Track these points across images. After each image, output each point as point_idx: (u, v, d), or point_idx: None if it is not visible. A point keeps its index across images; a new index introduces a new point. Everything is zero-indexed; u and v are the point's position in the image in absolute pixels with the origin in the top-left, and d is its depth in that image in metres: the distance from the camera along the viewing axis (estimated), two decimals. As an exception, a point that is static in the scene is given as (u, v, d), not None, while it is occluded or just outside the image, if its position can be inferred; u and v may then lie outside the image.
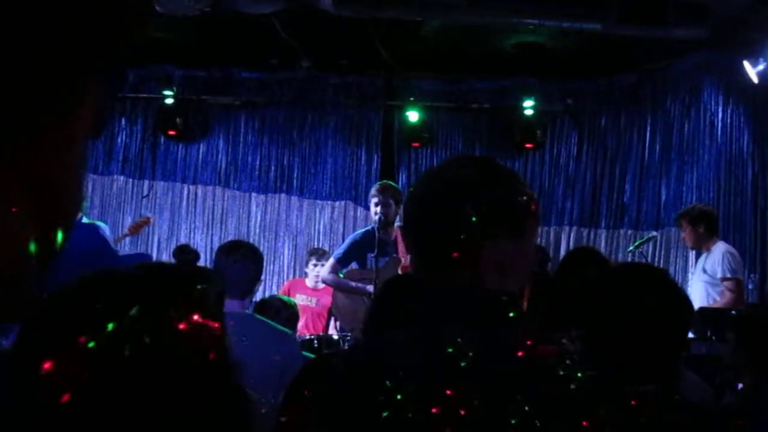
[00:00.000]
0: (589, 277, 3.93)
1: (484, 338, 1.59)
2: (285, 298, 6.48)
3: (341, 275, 7.08)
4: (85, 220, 8.35)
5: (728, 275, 7.01)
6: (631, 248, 8.49)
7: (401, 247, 6.74)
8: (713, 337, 5.61)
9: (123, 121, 11.18)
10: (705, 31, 7.73)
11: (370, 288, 6.64)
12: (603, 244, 10.21)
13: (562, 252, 10.08)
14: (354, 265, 7.07)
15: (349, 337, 6.53)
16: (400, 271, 6.38)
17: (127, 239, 9.47)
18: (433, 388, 1.53)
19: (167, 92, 10.57)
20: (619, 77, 10.17)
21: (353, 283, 6.86)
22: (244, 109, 11.07)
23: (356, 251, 6.98)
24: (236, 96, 10.96)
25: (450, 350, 1.56)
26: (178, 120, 10.67)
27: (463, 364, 1.55)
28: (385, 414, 1.51)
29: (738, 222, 8.71)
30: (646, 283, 2.35)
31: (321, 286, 8.19)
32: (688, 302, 2.46)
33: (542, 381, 1.56)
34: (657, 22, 7.51)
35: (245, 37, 9.28)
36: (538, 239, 10.20)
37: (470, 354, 1.56)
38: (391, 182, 7.29)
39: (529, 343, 1.60)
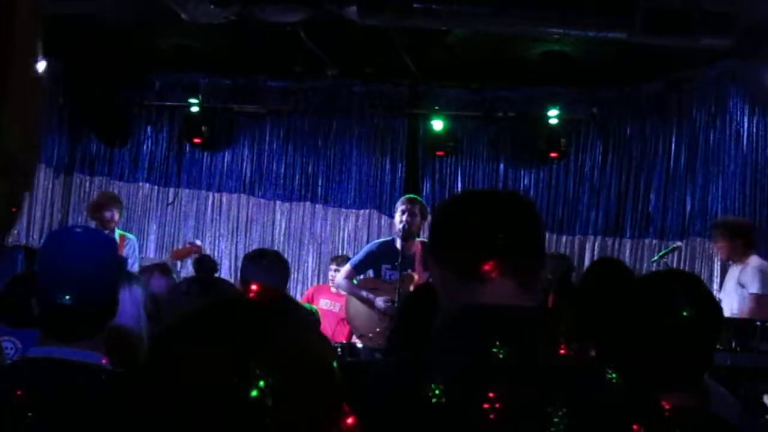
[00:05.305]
0: (618, 286, 3.92)
1: (522, 345, 1.60)
2: (306, 305, 6.56)
3: (356, 282, 7.27)
4: (118, 231, 8.44)
5: (757, 291, 6.96)
6: (655, 258, 8.43)
7: (419, 263, 6.82)
8: (738, 348, 5.57)
9: (149, 129, 11.26)
10: (731, 40, 7.68)
11: (379, 302, 6.85)
12: (628, 254, 10.15)
13: (587, 262, 10.03)
14: (370, 273, 7.27)
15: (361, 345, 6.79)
16: (411, 288, 6.43)
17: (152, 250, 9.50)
18: (475, 389, 1.54)
19: (193, 100, 10.64)
20: (645, 86, 10.12)
21: (364, 293, 7.03)
22: (270, 117, 11.11)
23: (372, 261, 7.20)
24: (261, 104, 11.00)
25: (494, 351, 1.58)
26: (203, 128, 10.75)
27: (501, 364, 1.56)
28: (434, 401, 1.53)
29: (764, 232, 8.63)
30: (679, 290, 2.30)
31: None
32: (720, 311, 2.42)
33: (577, 388, 1.57)
34: (683, 31, 7.47)
35: (271, 46, 9.31)
36: (563, 248, 10.17)
37: (510, 358, 1.57)
38: (419, 197, 7.45)
39: (562, 351, 1.61)
